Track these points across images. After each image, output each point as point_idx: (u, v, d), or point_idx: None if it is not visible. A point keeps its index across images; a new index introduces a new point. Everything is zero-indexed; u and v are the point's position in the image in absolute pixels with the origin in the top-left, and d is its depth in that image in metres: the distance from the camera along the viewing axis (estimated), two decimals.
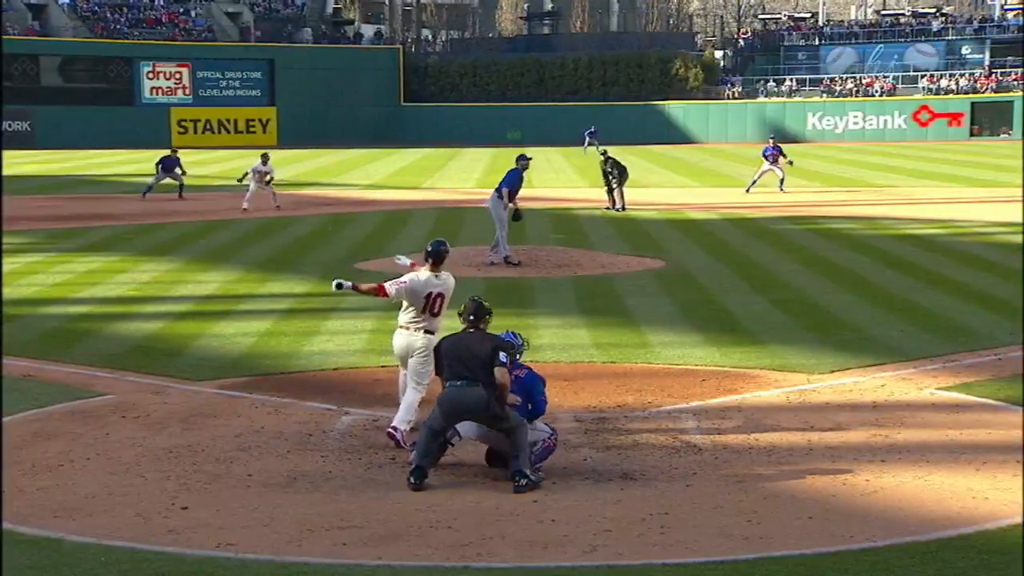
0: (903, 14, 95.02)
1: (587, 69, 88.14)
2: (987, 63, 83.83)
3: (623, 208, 34.57)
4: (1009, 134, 76.15)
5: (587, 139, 66.55)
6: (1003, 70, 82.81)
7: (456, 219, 34.43)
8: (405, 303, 12.32)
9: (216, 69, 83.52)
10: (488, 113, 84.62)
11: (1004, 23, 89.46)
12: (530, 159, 25.68)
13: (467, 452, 11.76)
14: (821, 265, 24.44)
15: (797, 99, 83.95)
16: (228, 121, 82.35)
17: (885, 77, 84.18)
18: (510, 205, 24.26)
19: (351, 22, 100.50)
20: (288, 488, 10.85)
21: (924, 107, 79.43)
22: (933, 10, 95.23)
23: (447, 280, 12.34)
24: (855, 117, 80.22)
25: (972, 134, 76.82)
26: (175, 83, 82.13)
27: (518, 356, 11.63)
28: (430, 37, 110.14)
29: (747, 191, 40.66)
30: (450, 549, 9.39)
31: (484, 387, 10.92)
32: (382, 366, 15.91)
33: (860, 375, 15.15)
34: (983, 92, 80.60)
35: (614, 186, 34.81)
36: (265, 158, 35.87)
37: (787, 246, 27.50)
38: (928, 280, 22.26)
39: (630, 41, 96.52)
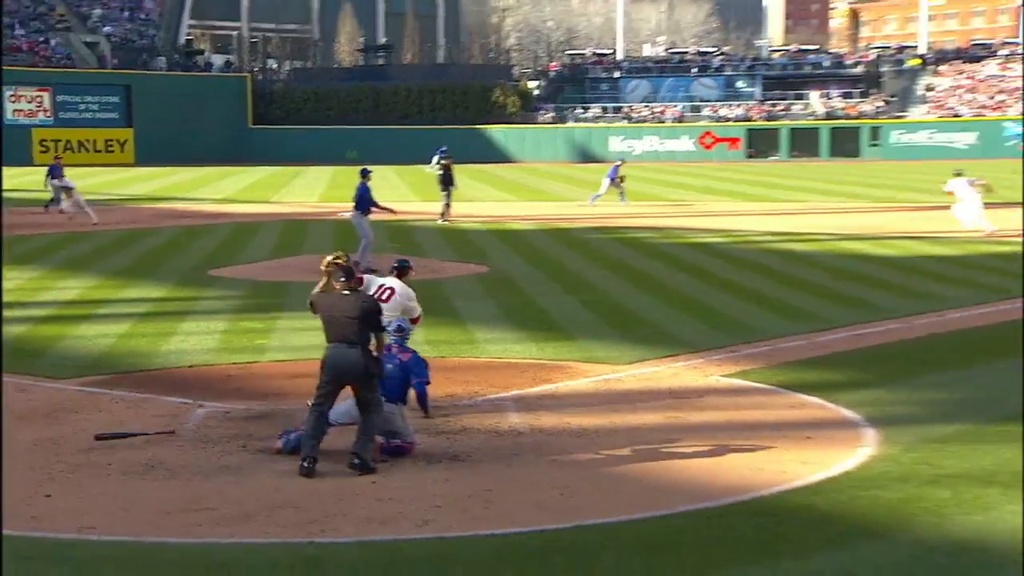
0: (689, 52, 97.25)
1: (417, 96, 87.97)
2: (759, 96, 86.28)
3: (447, 220, 34.65)
4: (777, 156, 78.30)
5: (437, 157, 65.25)
6: (772, 102, 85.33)
7: (301, 231, 34.03)
8: None
9: (76, 94, 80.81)
10: (329, 135, 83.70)
11: (772, 62, 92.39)
12: (371, 171, 25.96)
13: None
14: (624, 270, 24.74)
15: (601, 124, 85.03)
16: (88, 141, 79.66)
17: (675, 106, 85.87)
18: (380, 209, 25.38)
19: (201, 52, 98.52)
20: (146, 476, 10.56)
21: (708, 132, 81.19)
22: (714, 49, 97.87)
23: (404, 288, 13.38)
24: (650, 140, 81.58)
25: (748, 156, 78.79)
26: (36, 106, 79.36)
27: (406, 340, 11.60)
28: (275, 66, 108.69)
29: (622, 198, 41.05)
30: (296, 527, 9.26)
31: (360, 348, 10.67)
32: (233, 363, 15.64)
33: (657, 365, 15.38)
34: (756, 120, 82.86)
35: (446, 196, 34.91)
36: (55, 171, 35.91)
37: (595, 254, 27.79)
38: (713, 282, 22.67)
39: (455, 72, 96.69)
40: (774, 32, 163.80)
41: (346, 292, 10.89)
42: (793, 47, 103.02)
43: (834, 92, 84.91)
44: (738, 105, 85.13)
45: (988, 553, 8.61)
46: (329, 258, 11.10)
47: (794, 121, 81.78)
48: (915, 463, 10.75)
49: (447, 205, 34.98)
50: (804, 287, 21.82)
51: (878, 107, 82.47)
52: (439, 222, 34.47)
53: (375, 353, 10.84)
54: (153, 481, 10.39)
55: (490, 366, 15.33)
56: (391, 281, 13.42)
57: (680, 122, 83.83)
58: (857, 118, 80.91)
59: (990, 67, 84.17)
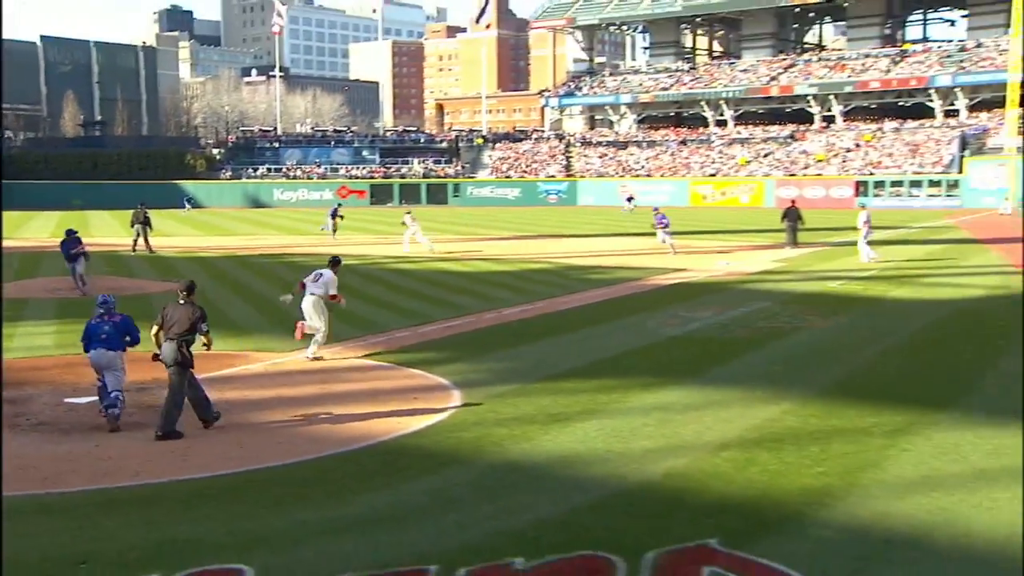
0: (328, 130, 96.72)
1: (127, 159, 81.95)
2: (378, 161, 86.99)
3: (151, 251, 32.64)
4: (392, 203, 79.08)
5: (187, 204, 66.69)
6: (387, 165, 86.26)
7: (35, 260, 30.84)
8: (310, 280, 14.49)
9: None
10: (58, 188, 76.15)
11: (386, 138, 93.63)
12: (77, 231, 23.67)
13: (47, 415, 10.57)
14: (281, 283, 24.12)
15: (267, 180, 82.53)
16: None
17: (319, 167, 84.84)
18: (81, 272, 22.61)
19: None
20: None
21: (343, 186, 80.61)
22: (346, 128, 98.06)
23: (329, 273, 14.48)
24: (302, 192, 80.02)
25: (372, 203, 79.05)
26: None
27: (112, 308, 10.93)
28: (12, 136, 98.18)
29: (333, 234, 39.09)
30: (34, 482, 8.50)
31: (179, 344, 10.19)
32: None
33: None
34: (377, 178, 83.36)
35: (143, 234, 33.16)
36: None
37: (263, 272, 26.94)
38: (351, 292, 22.48)
39: (156, 141, 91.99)
40: (387, 117, 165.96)
41: (181, 302, 10.56)
42: (400, 128, 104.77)
43: (429, 159, 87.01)
44: (364, 167, 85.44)
45: (532, 469, 9.13)
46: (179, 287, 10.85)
47: (403, 179, 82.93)
48: (486, 412, 11.21)
49: (147, 240, 33.19)
50: (411, 294, 22.06)
51: (458, 170, 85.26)
52: (148, 253, 32.37)
53: (206, 343, 10.52)
54: None
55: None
56: (325, 269, 14.55)
57: (323, 179, 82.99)
58: (445, 177, 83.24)
59: (526, 145, 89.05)
